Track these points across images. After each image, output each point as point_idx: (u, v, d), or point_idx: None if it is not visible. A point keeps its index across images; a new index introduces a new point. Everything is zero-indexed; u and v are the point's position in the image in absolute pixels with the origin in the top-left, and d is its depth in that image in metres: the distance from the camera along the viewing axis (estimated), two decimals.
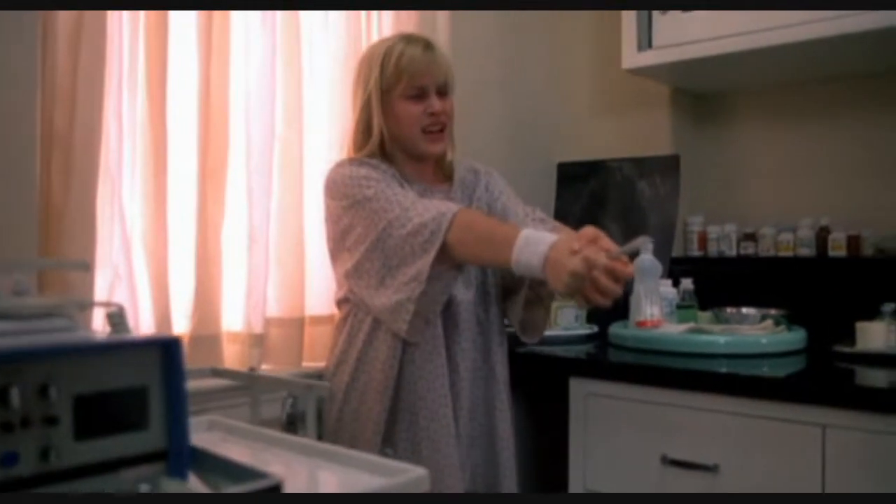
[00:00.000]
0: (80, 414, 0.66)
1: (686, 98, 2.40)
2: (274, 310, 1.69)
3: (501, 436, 1.55)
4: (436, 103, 1.51)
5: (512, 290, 1.58)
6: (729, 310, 1.95)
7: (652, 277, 1.89)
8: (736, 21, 1.93)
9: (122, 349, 0.70)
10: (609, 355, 1.84)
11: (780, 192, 2.25)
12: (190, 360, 1.43)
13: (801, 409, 1.44)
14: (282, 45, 1.69)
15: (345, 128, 1.64)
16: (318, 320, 1.77)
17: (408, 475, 0.83)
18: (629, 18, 2.11)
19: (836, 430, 1.40)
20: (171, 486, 0.57)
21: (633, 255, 1.41)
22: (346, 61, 1.78)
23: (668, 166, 2.23)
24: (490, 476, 1.55)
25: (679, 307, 1.97)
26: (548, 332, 1.83)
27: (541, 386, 1.94)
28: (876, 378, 1.54)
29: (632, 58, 2.11)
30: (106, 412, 0.68)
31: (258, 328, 1.62)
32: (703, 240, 2.30)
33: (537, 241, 1.27)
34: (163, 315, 1.47)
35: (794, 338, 1.77)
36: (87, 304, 0.95)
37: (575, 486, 1.73)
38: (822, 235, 2.10)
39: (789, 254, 2.13)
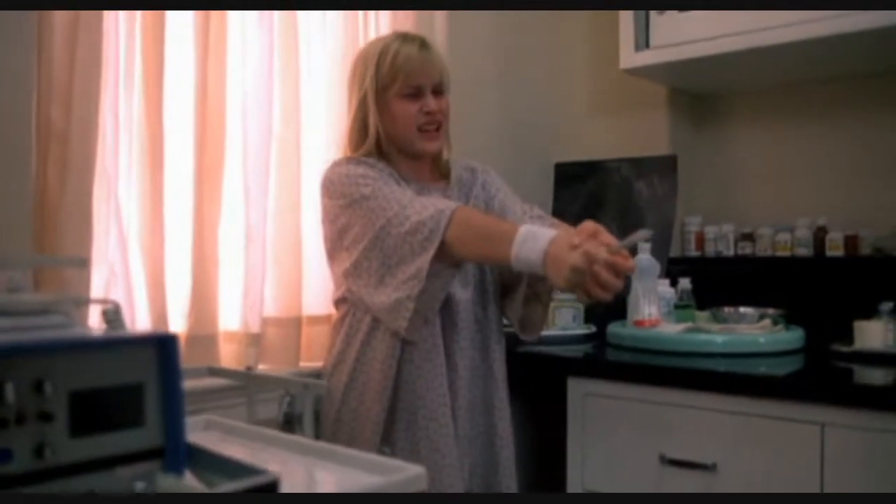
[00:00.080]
0: (76, 410, 0.65)
1: (684, 98, 2.40)
2: (271, 309, 1.68)
3: (500, 435, 1.55)
4: (431, 102, 1.51)
5: (510, 287, 1.58)
6: (727, 309, 1.95)
7: (650, 277, 1.89)
8: (733, 21, 1.93)
9: (117, 345, 0.70)
10: (607, 355, 1.83)
11: (777, 193, 2.25)
12: (186, 360, 1.43)
13: (799, 408, 1.44)
14: (279, 44, 1.69)
15: (342, 127, 1.63)
16: (315, 320, 1.77)
17: (405, 473, 0.82)
18: (626, 18, 2.11)
19: (835, 429, 1.40)
20: (166, 482, 0.56)
21: (633, 249, 1.41)
22: (343, 61, 1.78)
23: (666, 166, 2.23)
24: (489, 475, 1.55)
25: (677, 307, 1.97)
26: (546, 332, 1.83)
27: (539, 386, 1.93)
28: (874, 376, 1.54)
29: (629, 58, 2.11)
30: (101, 409, 0.67)
31: (255, 328, 1.62)
32: (701, 240, 2.30)
33: (537, 236, 1.26)
34: (159, 314, 1.47)
35: (792, 337, 1.77)
36: (83, 301, 0.95)
37: (573, 485, 1.73)
38: (820, 235, 2.10)
39: (787, 254, 2.13)
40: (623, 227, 1.26)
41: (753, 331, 1.79)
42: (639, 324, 1.86)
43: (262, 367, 1.64)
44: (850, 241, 2.05)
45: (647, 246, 1.90)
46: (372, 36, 1.85)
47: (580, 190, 2.40)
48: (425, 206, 1.38)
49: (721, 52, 1.95)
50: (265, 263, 1.64)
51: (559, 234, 1.26)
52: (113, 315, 0.79)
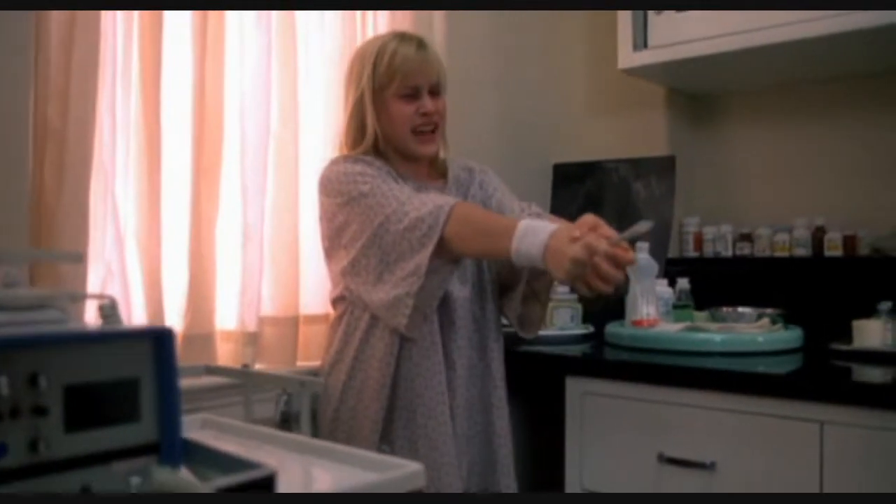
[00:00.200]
0: (71, 405, 0.65)
1: (682, 99, 2.40)
2: (268, 308, 1.67)
3: (499, 433, 1.54)
4: (428, 103, 1.51)
5: (509, 286, 1.58)
6: (725, 309, 1.95)
7: (648, 277, 1.88)
8: (731, 20, 1.93)
9: (113, 339, 0.69)
10: (605, 354, 1.83)
11: (775, 193, 2.25)
12: (183, 359, 1.42)
13: (798, 406, 1.44)
14: (277, 44, 1.69)
15: (339, 126, 1.63)
16: (312, 319, 1.76)
17: (403, 470, 0.82)
18: (624, 18, 2.11)
19: (835, 427, 1.40)
20: (162, 474, 0.56)
21: (633, 242, 1.41)
22: (341, 61, 1.77)
23: (664, 167, 2.23)
24: (487, 474, 1.54)
25: (675, 307, 1.97)
26: (544, 332, 1.83)
27: (537, 385, 1.93)
28: (873, 375, 1.54)
29: (627, 57, 2.11)
30: (97, 403, 0.67)
31: (252, 327, 1.61)
32: (699, 241, 2.30)
33: (537, 230, 1.26)
34: (156, 313, 1.46)
35: (790, 336, 1.77)
36: (79, 296, 0.94)
37: (571, 485, 1.72)
38: (819, 235, 2.10)
39: (785, 254, 2.13)
40: (621, 228, 1.26)
41: (752, 330, 1.79)
42: (637, 324, 1.85)
43: (258, 367, 1.64)
44: (849, 242, 2.05)
45: (646, 246, 1.90)
46: (370, 36, 1.85)
47: (578, 190, 2.40)
48: (424, 203, 1.38)
49: (719, 52, 1.95)
50: (262, 262, 1.64)
51: (559, 227, 1.26)
52: (109, 310, 0.78)
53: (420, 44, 1.52)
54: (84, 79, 1.35)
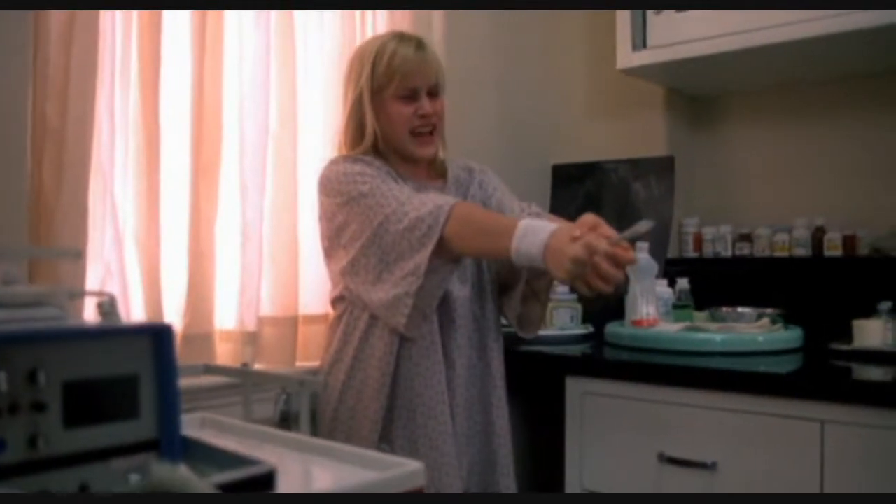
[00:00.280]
0: (70, 401, 0.65)
1: (681, 99, 2.40)
2: (267, 308, 1.67)
3: (498, 433, 1.54)
4: (426, 105, 1.51)
5: (509, 285, 1.57)
6: (725, 309, 1.95)
7: (648, 277, 1.88)
8: (730, 21, 1.93)
9: (112, 336, 0.69)
10: (605, 354, 1.83)
11: (775, 193, 2.25)
12: (182, 359, 1.42)
13: (799, 405, 1.43)
14: (276, 44, 1.68)
15: (338, 126, 1.63)
16: (311, 319, 1.76)
17: (403, 469, 0.82)
18: (623, 19, 2.11)
19: (835, 426, 1.40)
20: (161, 469, 0.56)
21: (634, 242, 1.41)
22: (340, 61, 1.77)
23: (663, 167, 2.23)
24: (487, 474, 1.54)
25: (675, 307, 1.97)
26: (543, 332, 1.82)
27: (537, 385, 1.93)
28: (874, 374, 1.53)
29: (626, 58, 2.11)
30: (96, 400, 0.67)
31: (251, 326, 1.61)
32: (699, 241, 2.30)
33: (537, 229, 1.26)
34: (155, 312, 1.46)
35: (790, 336, 1.77)
36: (77, 294, 0.94)
37: (571, 485, 1.72)
38: (818, 236, 2.10)
39: (785, 254, 2.13)
40: (620, 229, 1.26)
41: (752, 330, 1.78)
42: (637, 324, 1.85)
43: (258, 367, 1.63)
44: (849, 242, 2.05)
45: (646, 246, 1.90)
46: (369, 36, 1.85)
47: (577, 191, 2.39)
48: (424, 203, 1.38)
49: (718, 52, 1.95)
50: (262, 262, 1.63)
51: (559, 227, 1.26)
52: (108, 307, 0.78)
53: (419, 44, 1.52)
54: (83, 78, 1.34)
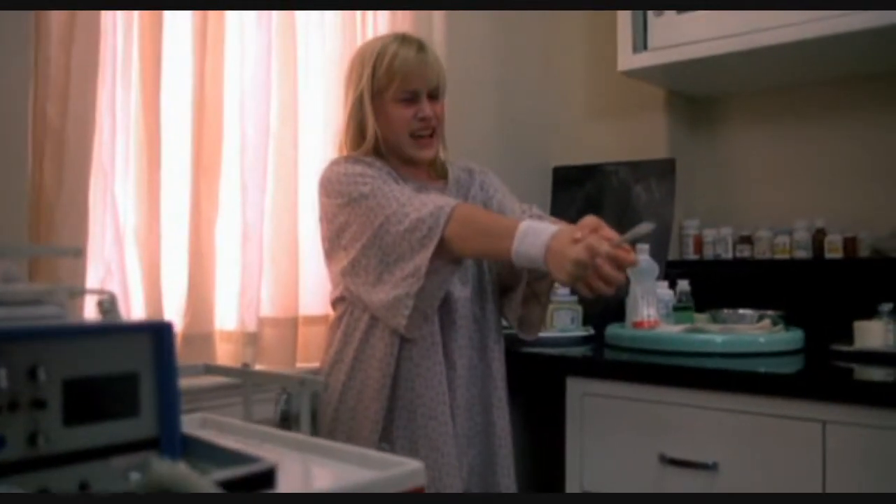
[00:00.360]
0: (69, 399, 0.65)
1: (681, 101, 2.40)
2: (267, 309, 1.67)
3: (499, 434, 1.54)
4: (426, 107, 1.50)
5: (509, 287, 1.57)
6: (726, 311, 1.95)
7: (649, 278, 1.88)
8: (731, 22, 1.93)
9: (112, 333, 0.69)
10: (606, 356, 1.82)
11: (775, 195, 2.25)
12: (182, 359, 1.41)
13: (801, 406, 1.43)
14: (277, 44, 1.69)
15: (338, 126, 1.63)
16: (311, 320, 1.76)
17: (403, 468, 0.81)
18: (624, 20, 2.11)
19: (837, 426, 1.39)
20: (161, 465, 0.55)
21: (635, 243, 1.41)
22: (341, 61, 1.78)
23: (664, 170, 2.23)
24: (487, 474, 1.53)
25: (676, 309, 1.96)
26: (544, 334, 1.82)
27: (537, 386, 1.92)
28: (875, 374, 1.53)
29: (627, 59, 2.11)
30: (96, 398, 0.67)
31: (251, 327, 1.60)
32: (699, 243, 2.29)
33: (538, 231, 1.26)
34: (155, 312, 1.46)
35: (792, 337, 1.76)
36: (77, 292, 0.94)
37: (572, 486, 1.72)
38: (819, 237, 2.09)
39: (786, 256, 2.13)
40: (621, 231, 1.26)
41: (753, 331, 1.78)
42: (637, 325, 1.85)
43: (258, 368, 1.63)
44: (849, 243, 2.05)
45: (646, 248, 1.90)
46: (370, 36, 1.85)
47: (578, 194, 2.39)
48: (424, 204, 1.37)
49: (719, 54, 1.95)
50: (262, 262, 1.63)
51: (560, 228, 1.26)
52: (109, 305, 0.78)
53: (420, 46, 1.52)
54: (84, 78, 1.34)
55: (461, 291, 1.51)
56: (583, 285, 1.23)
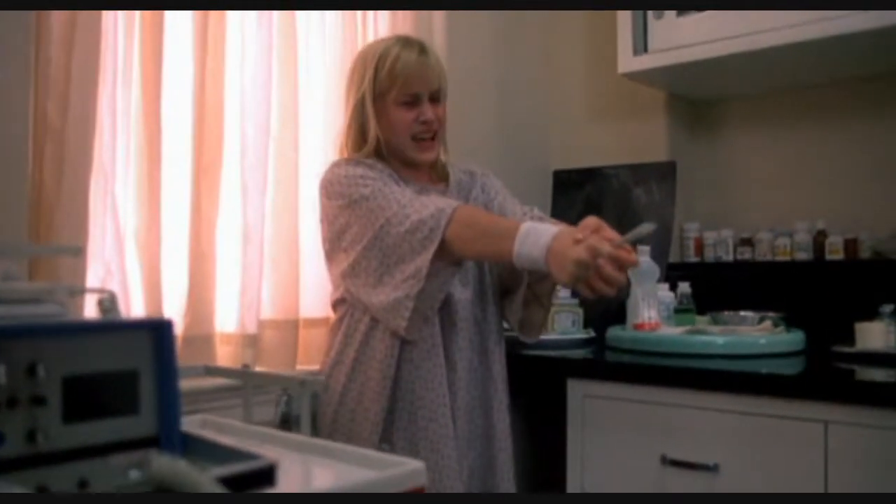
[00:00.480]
0: (69, 396, 0.64)
1: (682, 104, 2.40)
2: (268, 311, 1.67)
3: (499, 437, 1.53)
4: (428, 111, 1.50)
5: (510, 289, 1.57)
6: (727, 312, 1.94)
7: (649, 281, 1.88)
8: (731, 24, 1.93)
9: (112, 331, 0.69)
10: (607, 358, 1.82)
11: (776, 197, 2.24)
12: (182, 361, 1.41)
13: (802, 406, 1.43)
14: (278, 44, 1.69)
15: (339, 128, 1.63)
16: (312, 323, 1.76)
17: (403, 468, 0.81)
18: (624, 22, 2.11)
19: (838, 427, 1.39)
20: (160, 461, 0.55)
21: (636, 244, 1.41)
22: (342, 62, 1.78)
23: (664, 173, 2.23)
24: (487, 477, 1.53)
25: (677, 311, 1.96)
26: (545, 337, 1.82)
27: (538, 388, 1.92)
28: (877, 375, 1.53)
29: (627, 62, 2.11)
30: (95, 395, 0.66)
31: (252, 328, 1.60)
32: (700, 246, 2.29)
33: (539, 232, 1.26)
34: (155, 313, 1.45)
35: (793, 338, 1.76)
36: (77, 291, 0.93)
37: (573, 487, 1.71)
38: (819, 239, 2.09)
39: (786, 258, 2.13)
40: (622, 232, 1.26)
41: (754, 332, 1.78)
42: (638, 327, 1.85)
43: (258, 370, 1.63)
44: (850, 245, 2.04)
45: (647, 249, 1.89)
46: (370, 37, 1.85)
47: (578, 197, 2.39)
48: (425, 205, 1.37)
49: (719, 56, 1.95)
50: (262, 264, 1.63)
51: (562, 229, 1.26)
52: (109, 304, 0.78)
53: (422, 49, 1.52)
54: (84, 78, 1.35)
55: (462, 293, 1.51)
56: (584, 286, 1.23)
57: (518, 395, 1.71)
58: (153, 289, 1.46)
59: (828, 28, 1.78)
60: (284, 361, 1.68)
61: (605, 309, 2.01)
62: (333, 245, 1.50)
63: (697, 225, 2.31)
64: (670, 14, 2.05)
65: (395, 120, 1.50)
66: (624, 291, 1.72)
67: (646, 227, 1.21)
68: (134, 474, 0.67)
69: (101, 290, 0.78)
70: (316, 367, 1.65)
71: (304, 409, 1.28)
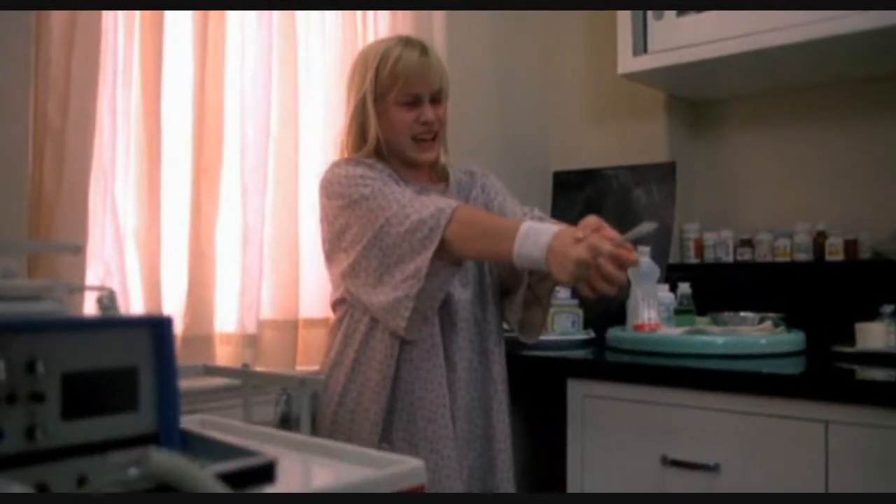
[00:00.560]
0: (68, 392, 0.64)
1: (681, 105, 2.40)
2: (267, 312, 1.67)
3: (499, 437, 1.53)
4: (429, 112, 1.50)
5: (510, 289, 1.57)
6: (727, 313, 1.94)
7: (650, 281, 1.88)
8: (731, 24, 1.93)
9: (111, 327, 0.69)
10: (607, 358, 1.82)
11: (776, 198, 2.24)
12: (182, 361, 1.41)
13: (803, 406, 1.43)
14: (278, 44, 1.69)
15: (339, 128, 1.63)
16: (312, 323, 1.76)
17: (403, 467, 0.81)
18: (624, 23, 2.11)
19: (839, 427, 1.39)
20: (160, 456, 0.55)
21: (637, 243, 1.40)
22: (342, 62, 1.78)
23: (664, 174, 2.23)
24: (487, 478, 1.53)
25: (677, 312, 1.96)
26: (545, 337, 1.82)
27: (538, 388, 1.92)
28: (877, 374, 1.53)
29: (627, 62, 2.11)
30: (94, 392, 0.66)
31: (251, 329, 1.60)
32: (700, 247, 2.29)
33: (539, 231, 1.26)
34: (154, 313, 1.45)
35: (793, 339, 1.76)
36: (77, 288, 0.94)
37: (573, 487, 1.71)
38: (819, 240, 2.09)
39: (786, 259, 2.12)
40: (622, 232, 1.26)
41: (755, 333, 1.78)
42: (639, 328, 1.85)
43: (257, 369, 1.63)
44: (850, 246, 2.04)
45: (647, 250, 1.89)
46: (370, 37, 1.85)
47: (578, 198, 2.39)
48: (425, 205, 1.37)
49: (719, 56, 1.95)
50: (262, 264, 1.63)
51: (562, 229, 1.26)
52: (108, 302, 0.78)
53: (423, 50, 1.52)
54: (84, 78, 1.35)
55: (462, 293, 1.51)
56: (585, 285, 1.23)
57: (518, 395, 1.70)
58: (153, 289, 1.46)
59: (828, 28, 1.78)
60: (284, 362, 1.68)
61: (605, 310, 2.01)
62: (333, 245, 1.50)
63: (697, 226, 2.31)
64: (670, 14, 2.05)
65: (396, 120, 1.50)
66: (624, 291, 1.71)
67: (646, 226, 1.21)
68: (133, 471, 0.67)
69: (100, 288, 0.78)
70: (315, 367, 1.65)
71: (303, 408, 1.28)
